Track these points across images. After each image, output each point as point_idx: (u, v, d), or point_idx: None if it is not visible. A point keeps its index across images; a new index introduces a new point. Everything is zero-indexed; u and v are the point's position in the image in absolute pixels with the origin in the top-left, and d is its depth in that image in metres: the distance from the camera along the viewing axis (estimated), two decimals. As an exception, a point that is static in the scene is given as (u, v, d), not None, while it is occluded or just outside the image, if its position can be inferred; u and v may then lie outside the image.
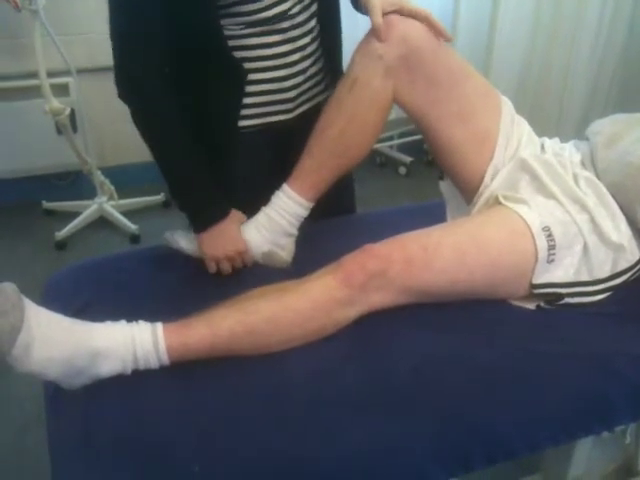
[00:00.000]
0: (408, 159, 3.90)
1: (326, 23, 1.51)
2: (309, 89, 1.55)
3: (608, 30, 3.64)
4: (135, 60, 1.31)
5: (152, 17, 1.27)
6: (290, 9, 1.40)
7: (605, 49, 3.69)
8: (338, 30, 1.57)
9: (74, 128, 3.05)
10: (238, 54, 1.41)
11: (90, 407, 1.10)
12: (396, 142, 3.93)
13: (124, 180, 3.34)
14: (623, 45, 3.71)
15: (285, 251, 1.46)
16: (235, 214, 1.45)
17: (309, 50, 1.49)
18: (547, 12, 3.54)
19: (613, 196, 1.35)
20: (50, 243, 3.13)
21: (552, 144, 1.47)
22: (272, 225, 1.43)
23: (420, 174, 3.90)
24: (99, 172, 3.19)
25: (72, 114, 2.99)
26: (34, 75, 2.84)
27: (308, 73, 1.52)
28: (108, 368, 1.11)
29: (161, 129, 1.37)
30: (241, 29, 1.38)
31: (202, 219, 1.43)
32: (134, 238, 3.19)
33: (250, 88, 1.46)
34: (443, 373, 1.16)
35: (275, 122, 1.52)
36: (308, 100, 1.57)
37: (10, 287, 1.04)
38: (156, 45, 1.31)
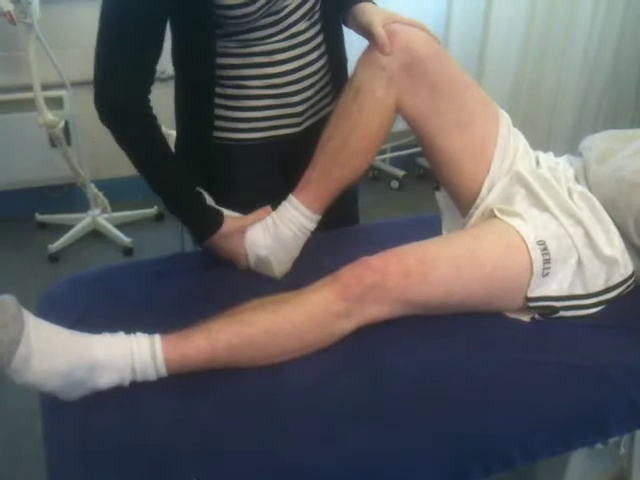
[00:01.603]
0: (401, 173, 3.93)
1: (331, 37, 1.53)
2: (317, 102, 1.56)
3: (597, 46, 3.69)
4: (121, 92, 1.34)
5: (150, 49, 1.31)
6: (301, 29, 1.44)
7: (595, 65, 3.74)
8: (342, 43, 1.58)
9: (68, 141, 3.07)
10: (245, 72, 1.44)
11: (88, 418, 1.10)
12: (389, 155, 3.96)
13: (117, 193, 3.35)
14: (612, 61, 3.77)
15: (279, 266, 1.46)
16: (231, 228, 1.45)
17: (317, 65, 1.51)
18: (538, 28, 3.58)
19: (606, 210, 1.37)
20: (43, 256, 3.13)
21: (546, 158, 1.48)
22: (277, 233, 1.44)
23: (413, 188, 3.92)
24: (93, 185, 3.21)
25: (66, 127, 3.00)
26: (28, 88, 2.85)
27: (316, 87, 1.53)
28: (106, 380, 1.11)
29: (145, 155, 1.40)
30: (247, 49, 1.41)
31: (196, 233, 1.50)
32: (127, 251, 3.20)
33: (258, 102, 1.48)
34: (441, 383, 1.17)
35: (283, 135, 1.54)
36: (316, 113, 1.58)
37: (10, 299, 1.04)
38: (149, 78, 1.34)
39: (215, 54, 1.40)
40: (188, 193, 1.44)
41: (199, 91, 1.47)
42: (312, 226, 1.46)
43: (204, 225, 1.45)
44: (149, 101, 1.36)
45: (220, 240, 1.44)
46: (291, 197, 1.45)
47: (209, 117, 1.49)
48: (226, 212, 1.46)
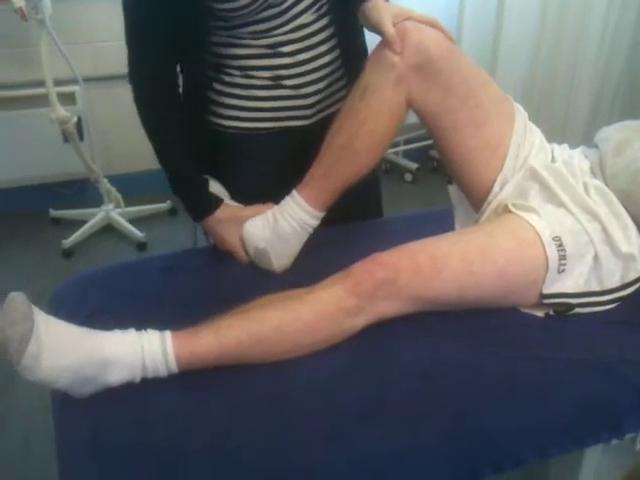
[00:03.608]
0: (414, 166, 3.91)
1: (344, 29, 1.50)
2: (330, 95, 1.55)
3: (613, 36, 3.65)
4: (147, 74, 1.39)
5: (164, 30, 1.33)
6: (306, 20, 1.42)
7: (610, 55, 3.69)
8: (359, 35, 1.55)
9: (81, 136, 3.07)
10: (251, 63, 1.43)
11: (98, 414, 1.10)
12: (402, 148, 3.94)
13: (131, 188, 3.35)
14: (628, 51, 3.72)
15: (278, 260, 1.45)
16: (227, 214, 1.47)
17: (328, 58, 1.49)
18: (552, 18, 3.54)
19: (622, 203, 1.35)
20: (57, 251, 3.15)
21: (561, 152, 1.45)
22: (276, 227, 1.43)
23: (426, 181, 3.90)
24: (106, 180, 3.21)
25: (79, 122, 3.01)
26: (41, 84, 2.85)
27: (329, 80, 1.52)
28: (117, 377, 1.11)
29: (160, 122, 1.44)
30: (253, 41, 1.41)
31: (191, 211, 1.52)
32: (141, 246, 3.21)
33: (265, 93, 1.47)
34: (450, 381, 1.16)
35: (293, 127, 1.53)
36: (329, 106, 1.57)
37: (20, 297, 1.05)
38: (167, 49, 1.36)
39: (209, 44, 1.42)
40: (191, 171, 1.48)
41: (199, 81, 1.49)
42: (314, 222, 1.45)
43: (200, 204, 1.48)
44: (175, 74, 1.42)
45: (214, 224, 1.47)
46: (294, 192, 1.43)
47: (209, 105, 1.51)
48: (227, 201, 1.49)
